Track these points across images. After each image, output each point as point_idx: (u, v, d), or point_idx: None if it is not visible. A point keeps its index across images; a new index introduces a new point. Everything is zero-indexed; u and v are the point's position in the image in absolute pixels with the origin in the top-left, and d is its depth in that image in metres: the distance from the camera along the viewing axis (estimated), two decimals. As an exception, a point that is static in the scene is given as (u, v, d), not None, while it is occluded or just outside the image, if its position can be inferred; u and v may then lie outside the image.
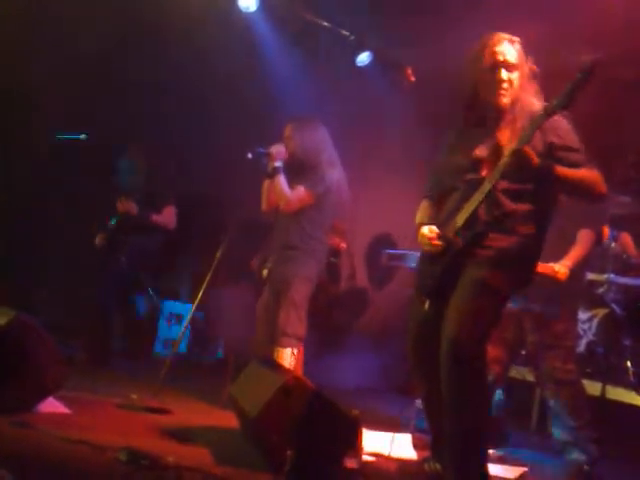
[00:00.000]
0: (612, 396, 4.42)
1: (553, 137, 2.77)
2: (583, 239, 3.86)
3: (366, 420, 3.44)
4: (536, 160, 2.64)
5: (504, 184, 2.73)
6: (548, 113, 2.61)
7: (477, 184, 2.75)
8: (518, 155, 2.62)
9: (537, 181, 2.73)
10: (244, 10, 5.51)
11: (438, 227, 2.91)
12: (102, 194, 5.39)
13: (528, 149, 2.64)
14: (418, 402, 3.94)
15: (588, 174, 2.77)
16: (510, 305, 3.91)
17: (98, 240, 5.27)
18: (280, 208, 4.13)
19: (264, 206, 4.28)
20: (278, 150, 4.07)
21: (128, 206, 5.11)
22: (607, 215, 4.47)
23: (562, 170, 2.71)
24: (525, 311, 3.88)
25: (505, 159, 2.65)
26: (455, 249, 2.80)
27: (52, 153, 5.02)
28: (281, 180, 4.06)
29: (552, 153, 2.76)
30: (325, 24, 5.48)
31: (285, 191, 4.05)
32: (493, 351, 3.89)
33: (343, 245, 5.72)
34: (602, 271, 4.90)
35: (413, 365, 3.03)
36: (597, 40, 5.04)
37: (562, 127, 2.79)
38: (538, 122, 2.64)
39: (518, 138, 2.66)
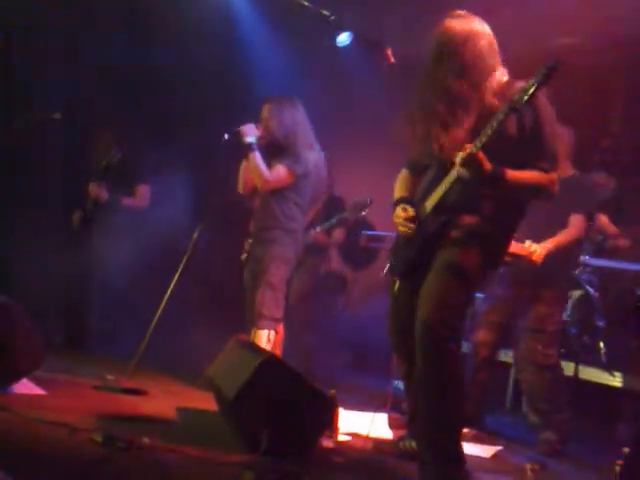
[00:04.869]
0: (585, 376, 4.47)
1: (529, 121, 2.69)
2: (573, 224, 3.86)
3: (343, 400, 3.47)
4: (487, 167, 2.57)
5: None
6: (510, 109, 2.55)
7: (447, 167, 2.73)
8: (469, 162, 2.56)
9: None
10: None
11: (413, 205, 2.90)
12: (77, 175, 5.33)
13: (481, 156, 2.55)
14: (395, 382, 3.97)
15: (540, 178, 2.69)
16: (502, 289, 3.94)
17: (74, 219, 5.24)
18: (258, 188, 4.09)
19: (241, 188, 4.24)
20: (247, 127, 4.00)
21: (98, 192, 5.08)
22: (597, 200, 4.43)
23: (513, 176, 2.63)
24: (517, 295, 3.89)
25: (458, 161, 2.58)
26: (427, 232, 2.81)
27: (24, 132, 4.92)
28: (256, 157, 3.98)
29: (523, 136, 2.70)
30: (305, 3, 5.41)
31: (261, 168, 3.98)
32: (482, 335, 3.92)
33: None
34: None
35: (393, 345, 3.05)
36: (575, 27, 5.06)
37: (543, 113, 2.70)
38: (498, 119, 2.57)
39: (477, 137, 2.58)
